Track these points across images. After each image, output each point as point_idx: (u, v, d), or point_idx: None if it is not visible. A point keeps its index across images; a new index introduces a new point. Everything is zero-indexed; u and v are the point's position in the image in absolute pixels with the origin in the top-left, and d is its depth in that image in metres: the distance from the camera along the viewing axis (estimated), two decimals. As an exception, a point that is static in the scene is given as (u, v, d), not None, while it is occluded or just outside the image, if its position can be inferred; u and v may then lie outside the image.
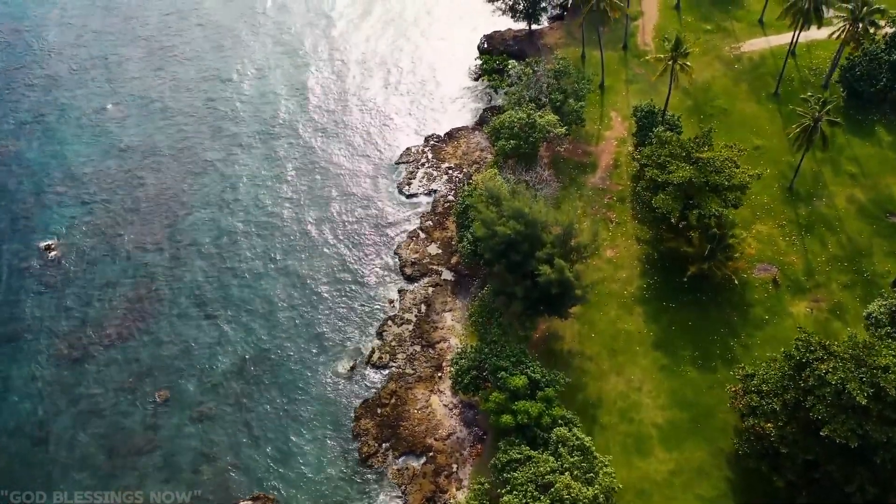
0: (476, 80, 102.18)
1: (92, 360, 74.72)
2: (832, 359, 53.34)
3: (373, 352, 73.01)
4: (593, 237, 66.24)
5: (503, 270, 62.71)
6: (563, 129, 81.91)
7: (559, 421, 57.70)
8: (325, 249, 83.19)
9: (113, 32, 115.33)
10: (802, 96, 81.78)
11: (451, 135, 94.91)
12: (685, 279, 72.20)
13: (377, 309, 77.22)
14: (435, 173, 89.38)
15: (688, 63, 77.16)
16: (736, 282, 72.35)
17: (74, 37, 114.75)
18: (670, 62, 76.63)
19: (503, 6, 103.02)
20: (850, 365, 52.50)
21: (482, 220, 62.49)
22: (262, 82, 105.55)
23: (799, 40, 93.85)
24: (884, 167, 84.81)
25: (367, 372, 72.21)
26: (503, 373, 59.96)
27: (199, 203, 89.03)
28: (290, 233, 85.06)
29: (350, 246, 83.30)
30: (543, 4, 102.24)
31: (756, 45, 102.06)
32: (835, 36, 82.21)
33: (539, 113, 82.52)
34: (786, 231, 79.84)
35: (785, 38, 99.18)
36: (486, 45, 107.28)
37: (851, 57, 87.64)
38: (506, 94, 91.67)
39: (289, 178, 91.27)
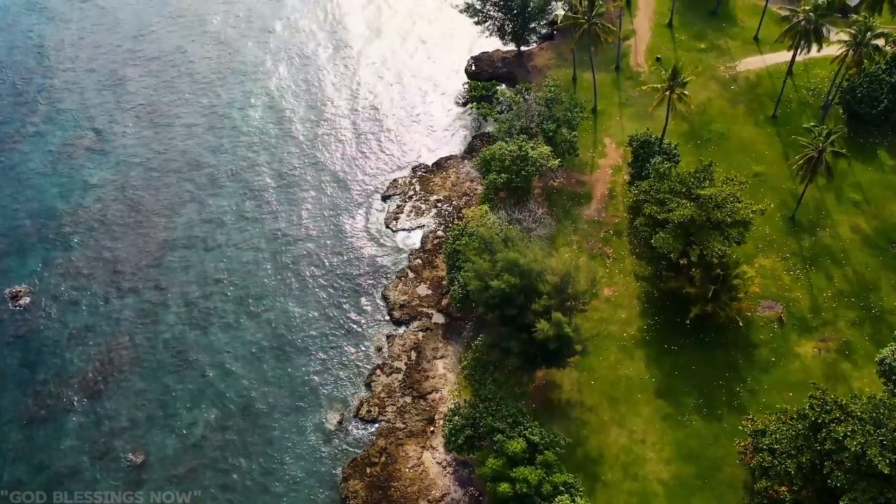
0: (464, 105, 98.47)
1: (62, 418, 70.39)
2: (850, 420, 50.12)
3: (361, 404, 69.16)
4: (591, 283, 62.65)
5: (497, 323, 59.04)
6: (557, 162, 78.38)
7: (560, 488, 54.09)
8: (310, 292, 79.17)
9: (96, 66, 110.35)
10: (805, 126, 78.65)
11: (440, 164, 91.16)
12: (687, 321, 68.91)
13: (365, 356, 73.35)
14: (423, 207, 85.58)
15: (685, 93, 73.83)
16: (741, 323, 69.16)
17: (59, 61, 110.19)
18: (667, 92, 73.19)
19: (492, 27, 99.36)
20: (870, 427, 49.30)
21: (475, 272, 58.86)
22: (245, 111, 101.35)
23: (796, 58, 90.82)
24: (887, 193, 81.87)
25: (354, 426, 68.33)
26: (500, 435, 56.30)
27: (177, 243, 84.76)
28: (272, 274, 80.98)
29: (335, 288, 79.34)
30: (532, 25, 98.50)
31: (752, 63, 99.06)
32: (836, 61, 79.06)
33: (531, 144, 78.94)
34: (789, 264, 76.71)
35: (781, 57, 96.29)
36: (473, 68, 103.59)
37: (851, 79, 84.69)
38: (496, 121, 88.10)
39: (271, 215, 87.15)
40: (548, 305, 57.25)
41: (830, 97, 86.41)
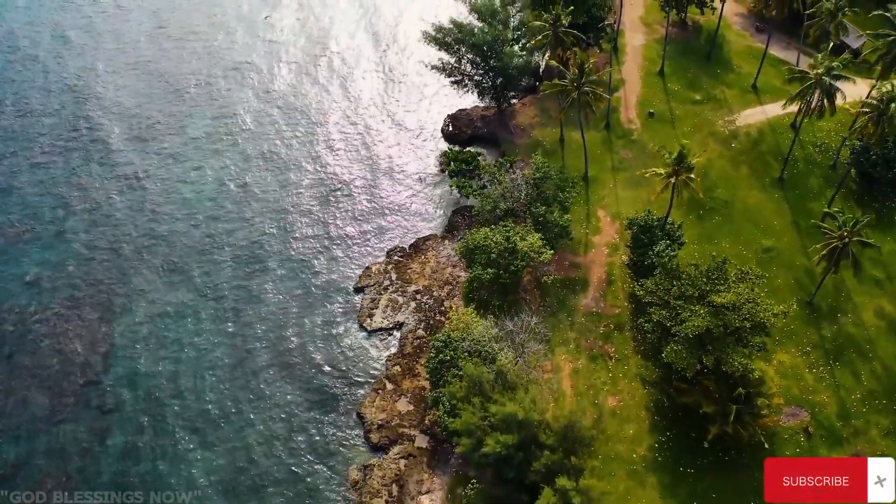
0: (441, 171, 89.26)
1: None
2: None
3: (336, 558, 59.90)
4: (597, 421, 54.03)
5: (491, 482, 50.16)
6: (550, 255, 69.60)
7: None
8: (272, 412, 69.26)
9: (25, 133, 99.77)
10: (827, 210, 70.82)
11: (417, 246, 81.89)
12: (705, 443, 60.56)
13: (339, 493, 63.82)
14: (401, 300, 76.30)
15: (692, 176, 65.45)
16: (766, 445, 60.97)
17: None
18: (672, 178, 64.76)
19: (469, 85, 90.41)
20: None
21: (465, 429, 49.90)
22: (197, 186, 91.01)
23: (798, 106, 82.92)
24: (911, 269, 74.52)
25: (329, 587, 59.08)
26: None
27: (123, 351, 74.50)
28: (228, 389, 71.00)
29: (302, 405, 69.61)
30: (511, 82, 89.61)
31: (752, 116, 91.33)
32: (854, 128, 71.38)
33: (519, 233, 70.18)
34: (811, 360, 68.83)
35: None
36: (450, 128, 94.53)
37: (864, 140, 77.04)
38: (478, 197, 79.05)
39: (225, 314, 77.00)
40: (550, 464, 48.41)
41: (847, 165, 78.68)
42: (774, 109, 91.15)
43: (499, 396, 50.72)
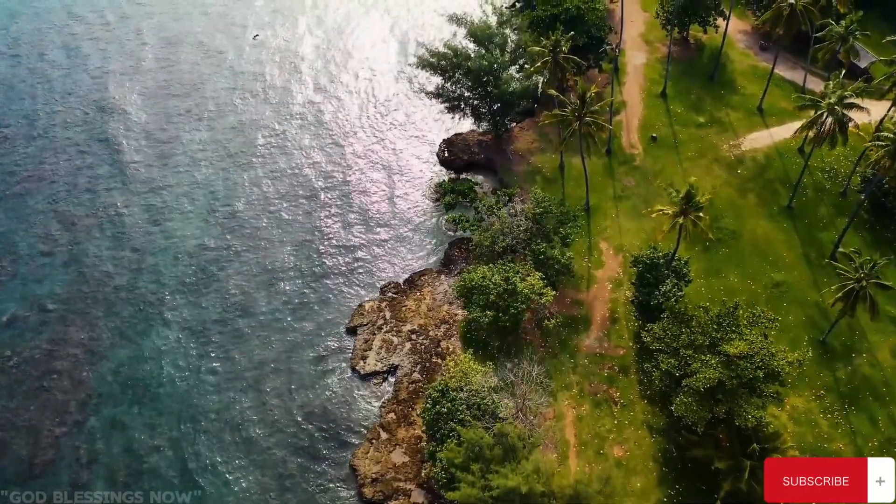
0: (435, 201, 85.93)
1: None
2: None
3: None
4: (605, 483, 50.83)
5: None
6: (551, 296, 66.35)
7: None
8: (259, 461, 65.57)
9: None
10: (843, 250, 67.67)
11: (412, 282, 78.47)
12: (717, 498, 57.38)
13: (331, 556, 60.65)
14: (395, 340, 72.89)
15: (701, 215, 62.23)
16: (781, 500, 57.78)
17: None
18: (680, 218, 61.50)
19: (465, 109, 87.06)
20: None
21: (465, 502, 46.53)
22: (182, 218, 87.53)
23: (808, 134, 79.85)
24: (927, 305, 71.43)
25: None
26: None
27: (104, 399, 70.87)
28: (212, 438, 67.28)
29: (291, 456, 65.98)
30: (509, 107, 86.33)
31: (758, 140, 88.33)
32: (868, 161, 68.34)
33: (518, 273, 66.91)
34: (826, 404, 65.72)
35: (789, 130, 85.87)
36: (446, 154, 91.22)
37: (877, 168, 73.95)
38: (476, 232, 75.72)
39: (211, 358, 73.32)
40: (557, 539, 45.25)
41: (859, 194, 75.58)
42: (781, 133, 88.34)
43: (499, 467, 47.42)
